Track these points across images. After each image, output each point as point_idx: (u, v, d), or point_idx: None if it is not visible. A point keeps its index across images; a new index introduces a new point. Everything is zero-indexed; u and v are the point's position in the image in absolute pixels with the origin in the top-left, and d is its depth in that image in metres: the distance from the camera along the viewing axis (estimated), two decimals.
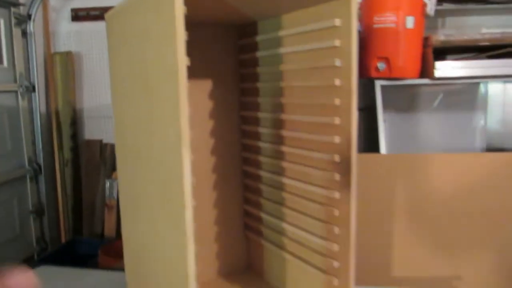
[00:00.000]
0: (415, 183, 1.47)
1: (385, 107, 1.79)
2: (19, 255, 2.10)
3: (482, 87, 1.91)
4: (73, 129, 2.27)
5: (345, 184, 0.88)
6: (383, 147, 1.50)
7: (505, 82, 1.77)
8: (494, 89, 1.90)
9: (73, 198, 2.27)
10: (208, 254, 1.23)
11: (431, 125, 1.93)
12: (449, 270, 1.51)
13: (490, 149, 1.91)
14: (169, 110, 0.69)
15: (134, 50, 0.84)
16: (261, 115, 1.12)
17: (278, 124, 1.07)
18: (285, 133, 1.04)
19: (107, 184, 2.15)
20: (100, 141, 2.26)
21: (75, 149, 2.29)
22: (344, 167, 0.88)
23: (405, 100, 1.92)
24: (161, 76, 0.71)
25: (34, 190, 2.19)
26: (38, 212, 2.19)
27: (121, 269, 1.27)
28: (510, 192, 1.43)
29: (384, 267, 1.54)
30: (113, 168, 2.21)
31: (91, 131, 2.32)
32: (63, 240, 2.25)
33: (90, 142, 2.28)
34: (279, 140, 1.07)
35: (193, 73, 1.13)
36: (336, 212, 0.91)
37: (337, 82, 0.86)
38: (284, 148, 1.04)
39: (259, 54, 1.10)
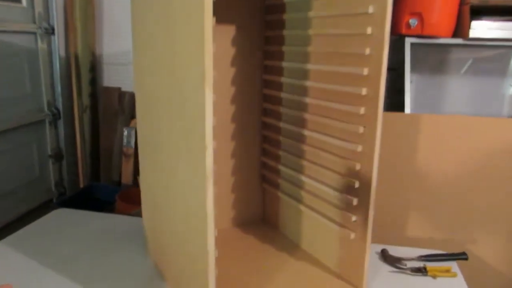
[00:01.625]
0: (437, 144, 1.43)
1: (413, 67, 1.73)
2: (37, 198, 2.16)
3: None
4: (92, 75, 2.26)
5: (369, 138, 0.86)
6: (408, 107, 1.45)
7: None
8: None
9: (91, 145, 2.30)
10: (224, 203, 1.23)
11: (458, 89, 1.86)
12: (464, 233, 1.50)
13: None
14: (193, 49, 0.66)
15: None
16: (284, 64, 1.08)
17: (301, 74, 1.04)
18: (308, 83, 1.00)
19: (125, 133, 2.16)
20: (119, 88, 2.25)
21: (93, 95, 2.29)
22: (370, 120, 0.85)
23: (433, 62, 1.85)
24: (186, 14, 0.67)
25: (53, 135, 2.21)
26: (57, 156, 2.22)
27: (138, 215, 1.28)
28: None
29: (399, 226, 1.53)
30: (132, 117, 2.21)
31: (109, 78, 2.31)
32: (81, 185, 2.29)
33: (108, 89, 2.27)
34: (301, 90, 1.04)
35: (218, 19, 1.09)
36: (358, 166, 0.89)
37: (369, 30, 0.82)
38: (307, 99, 1.01)
39: None
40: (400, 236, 1.51)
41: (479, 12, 1.66)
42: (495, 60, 1.87)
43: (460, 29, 1.49)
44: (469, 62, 1.86)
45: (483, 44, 1.49)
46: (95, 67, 2.29)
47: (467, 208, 1.49)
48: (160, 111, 0.86)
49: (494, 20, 1.51)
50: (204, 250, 0.71)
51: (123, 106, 2.24)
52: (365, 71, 0.84)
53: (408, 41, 1.50)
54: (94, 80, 2.30)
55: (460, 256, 1.11)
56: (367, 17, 0.82)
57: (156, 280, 0.97)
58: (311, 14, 0.96)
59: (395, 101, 1.59)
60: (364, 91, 0.85)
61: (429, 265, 1.07)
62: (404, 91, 1.49)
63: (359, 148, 0.88)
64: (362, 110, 0.86)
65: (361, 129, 0.87)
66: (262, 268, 1.02)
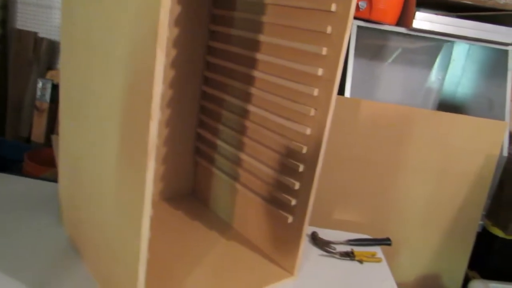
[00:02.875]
0: (369, 130, 1.45)
1: (356, 53, 1.73)
2: None
3: (448, 46, 1.90)
4: (3, 14, 1.96)
5: (320, 121, 0.82)
6: (348, 91, 1.45)
7: (471, 45, 1.77)
8: (458, 50, 1.90)
9: None
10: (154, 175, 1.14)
11: (391, 75, 1.91)
12: (388, 219, 1.56)
13: (442, 109, 1.95)
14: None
15: None
16: (234, 32, 1.00)
17: (253, 45, 0.96)
18: (259, 56, 0.93)
19: (39, 85, 1.92)
20: (35, 33, 1.99)
21: (3, 38, 1.99)
22: (322, 103, 0.81)
23: (372, 47, 1.87)
24: None
25: None
26: None
27: (49, 179, 1.15)
28: (460, 153, 1.47)
29: (328, 209, 1.55)
30: (49, 67, 1.97)
31: (24, 20, 2.03)
32: None
33: (22, 33, 1.99)
34: (251, 62, 0.97)
35: None
36: (304, 149, 0.85)
37: (333, 7, 0.77)
38: (256, 73, 0.94)
39: None
40: (329, 219, 1.53)
41: (422, 4, 1.70)
42: (431, 49, 1.94)
43: (404, 18, 1.50)
44: (399, 51, 1.91)
45: (424, 35, 1.53)
46: (6, 5, 1.99)
47: (392, 194, 1.54)
48: (93, 65, 0.74)
49: (437, 14, 1.55)
50: (137, 232, 0.63)
51: (39, 54, 1.99)
52: (324, 51, 0.79)
53: (355, 23, 1.49)
54: (5, 20, 2.01)
55: (385, 242, 1.15)
56: None
57: (70, 257, 0.87)
58: None
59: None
60: (320, 72, 0.80)
61: (356, 249, 1.09)
62: (346, 74, 1.48)
63: (308, 131, 0.84)
64: (315, 92, 0.81)
65: (312, 112, 0.83)
66: (189, 248, 0.96)
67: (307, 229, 1.13)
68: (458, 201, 1.51)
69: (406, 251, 1.58)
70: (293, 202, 0.89)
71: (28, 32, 2.02)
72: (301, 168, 0.86)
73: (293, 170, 0.88)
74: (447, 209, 1.53)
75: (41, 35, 2.03)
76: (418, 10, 1.52)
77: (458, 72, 1.87)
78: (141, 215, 0.62)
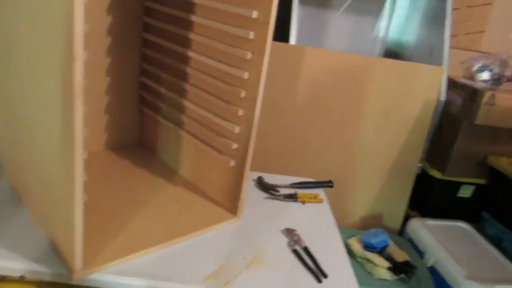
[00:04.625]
0: (316, 77, 1.48)
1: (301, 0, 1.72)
2: None
3: None
4: None
5: (257, 64, 0.83)
6: (293, 39, 1.46)
7: None
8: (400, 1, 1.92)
9: None
10: (96, 124, 1.13)
11: (337, 24, 1.93)
12: (333, 162, 1.63)
13: (387, 56, 1.99)
14: None
15: None
16: None
17: None
18: (197, 0, 0.92)
19: None
20: None
21: None
22: (258, 46, 0.82)
23: None
24: None
25: None
26: None
27: None
28: (399, 99, 1.53)
29: (276, 155, 1.60)
30: None
31: None
32: None
33: None
34: (188, 7, 0.95)
35: None
36: (243, 94, 0.87)
37: None
38: (193, 18, 0.93)
39: None
40: (277, 165, 1.58)
41: None
42: (376, 1, 1.96)
43: None
44: (349, 1, 1.92)
45: None
46: None
47: (337, 140, 1.60)
48: (17, 10, 0.71)
49: None
50: (71, 173, 0.63)
51: None
52: None
53: None
54: None
55: (327, 184, 1.21)
56: None
57: (12, 203, 0.87)
58: None
59: (279, 31, 1.58)
60: (254, 14, 0.80)
61: (300, 192, 1.14)
62: (291, 22, 1.48)
63: (246, 75, 0.85)
64: (251, 35, 0.82)
65: (249, 55, 0.83)
66: (134, 194, 0.98)
67: (252, 174, 1.17)
68: (398, 145, 1.59)
69: (351, 193, 1.67)
70: (234, 146, 0.91)
71: None
72: (240, 112, 0.88)
73: (233, 115, 0.90)
74: (388, 153, 1.61)
75: None
76: None
77: (401, 20, 1.91)
78: (73, 157, 0.62)
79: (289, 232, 0.95)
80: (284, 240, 0.93)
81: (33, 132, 0.74)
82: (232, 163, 0.93)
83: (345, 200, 1.67)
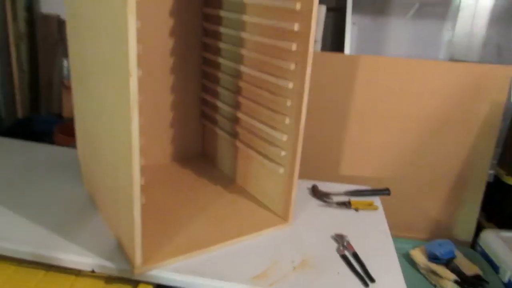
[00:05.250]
0: (374, 85, 1.48)
1: (357, 9, 1.73)
2: None
3: None
4: (29, 1, 2.09)
5: (300, 74, 0.87)
6: (347, 48, 1.47)
7: None
8: (466, 1, 1.84)
9: (29, 75, 2.17)
10: (163, 138, 1.23)
11: (400, 31, 1.89)
12: (392, 171, 1.59)
13: (454, 60, 1.91)
14: None
15: None
16: None
17: (240, 8, 1.02)
18: (245, 17, 0.99)
19: (65, 64, 2.06)
20: (58, 16, 2.11)
21: (31, 22, 2.13)
22: (300, 57, 0.86)
23: (378, 4, 1.85)
24: None
25: None
26: None
27: (75, 146, 1.26)
28: (466, 102, 1.46)
29: (334, 164, 1.60)
30: None
31: (48, 4, 2.15)
32: (20, 117, 2.20)
33: (47, 17, 2.12)
34: (239, 25, 1.03)
35: None
36: (289, 103, 0.91)
37: None
38: (243, 34, 1.00)
39: None
40: (335, 174, 1.59)
41: None
42: (436, 4, 1.90)
43: None
44: (416, 6, 1.88)
45: None
46: None
47: (400, 148, 1.57)
48: (88, 38, 0.83)
49: None
50: (130, 178, 0.72)
51: (63, 35, 2.11)
52: (298, 6, 0.83)
53: None
54: (31, 6, 2.14)
55: (383, 192, 1.20)
56: None
57: (89, 209, 0.98)
58: None
59: (337, 42, 1.61)
60: (296, 27, 0.85)
61: (354, 199, 1.14)
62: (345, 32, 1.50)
63: (290, 85, 0.89)
64: (294, 47, 0.86)
65: (292, 66, 0.88)
66: (194, 200, 1.05)
67: (307, 183, 1.20)
68: (465, 150, 1.52)
69: (414, 202, 1.61)
70: (283, 153, 0.95)
71: (52, 15, 2.14)
72: (287, 120, 0.92)
73: (280, 123, 0.94)
74: (454, 159, 1.54)
75: (63, 17, 2.15)
76: None
77: (468, 20, 1.82)
78: (131, 163, 0.70)
79: (339, 238, 0.96)
80: (334, 245, 0.94)
81: (102, 144, 0.85)
82: (281, 170, 0.97)
83: (407, 209, 1.63)
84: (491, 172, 1.57)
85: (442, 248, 1.33)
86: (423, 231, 1.65)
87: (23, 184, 1.07)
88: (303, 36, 0.84)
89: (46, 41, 2.15)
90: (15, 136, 1.42)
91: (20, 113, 2.21)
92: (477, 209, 1.60)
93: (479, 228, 1.64)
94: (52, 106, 2.19)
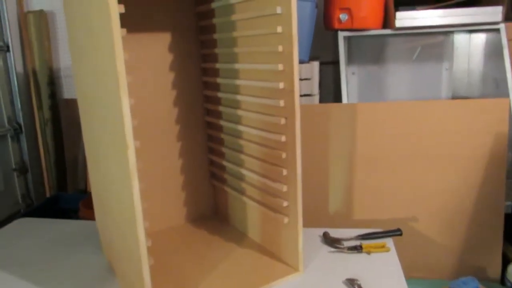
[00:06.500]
0: (375, 130, 1.52)
1: (355, 59, 1.81)
2: (5, 212, 2.18)
3: (448, 37, 1.92)
4: (51, 89, 2.29)
5: (291, 128, 0.93)
6: (345, 97, 1.54)
7: (470, 31, 1.79)
8: (459, 39, 1.91)
9: (55, 156, 2.33)
10: (176, 201, 1.29)
11: (400, 76, 1.96)
12: (402, 212, 1.59)
13: (456, 98, 1.95)
14: (108, 59, 0.72)
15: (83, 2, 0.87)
16: (218, 66, 1.15)
17: (232, 74, 1.11)
18: (238, 82, 1.07)
19: None
20: None
21: (54, 108, 2.32)
22: (289, 112, 0.93)
23: (374, 52, 1.94)
24: (100, 26, 0.74)
25: (16, 149, 2.23)
26: (22, 170, 2.25)
27: None
28: (471, 137, 1.48)
29: (344, 210, 1.61)
30: None
31: (69, 90, 2.35)
32: (48, 196, 2.32)
33: (69, 101, 2.31)
34: (233, 89, 1.11)
35: (154, 26, 1.16)
36: (284, 155, 0.96)
37: (279, 29, 0.89)
38: (238, 97, 1.08)
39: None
40: (347, 220, 1.59)
41: (411, 3, 1.76)
42: (431, 46, 1.97)
43: (387, 20, 1.58)
44: (418, 50, 1.96)
45: (411, 32, 1.59)
46: (53, 80, 2.33)
47: (408, 188, 1.58)
48: (94, 117, 0.92)
49: (423, 9, 1.61)
50: (136, 241, 0.77)
51: None
52: (280, 67, 0.91)
53: (341, 35, 1.59)
54: (54, 93, 2.34)
55: (395, 233, 1.20)
56: (277, 17, 0.89)
57: (109, 277, 1.03)
58: (234, 17, 1.04)
59: (339, 93, 1.68)
60: (281, 85, 0.92)
61: (366, 242, 1.15)
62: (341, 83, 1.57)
63: (283, 138, 0.95)
64: (281, 103, 0.93)
65: (282, 121, 0.94)
66: (209, 257, 1.09)
67: (318, 230, 1.22)
68: (476, 184, 1.51)
69: (430, 241, 1.58)
70: (285, 203, 0.99)
71: (73, 100, 2.32)
72: (284, 172, 0.97)
73: (279, 175, 0.99)
74: (465, 194, 1.53)
75: None
76: (400, 10, 1.59)
77: (463, 59, 1.88)
78: (135, 227, 0.76)
79: (350, 282, 0.97)
80: None
81: (113, 212, 0.92)
82: (286, 220, 1.01)
83: (426, 249, 1.60)
84: (508, 203, 1.55)
85: (466, 285, 1.30)
86: (446, 271, 1.61)
87: (49, 259, 1.13)
88: (289, 93, 0.91)
89: (69, 123, 2.32)
90: (43, 215, 1.51)
91: (48, 193, 2.33)
92: (500, 242, 1.56)
93: (506, 261, 1.59)
94: (78, 183, 2.31)
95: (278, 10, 0.87)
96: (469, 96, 1.83)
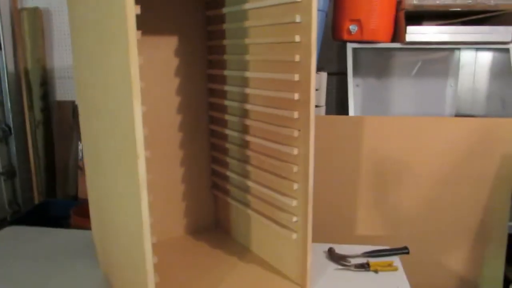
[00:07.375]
0: (380, 144, 1.49)
1: (360, 72, 1.80)
2: None
3: (454, 54, 1.92)
4: (44, 90, 2.22)
5: (304, 140, 0.90)
6: (351, 110, 1.51)
7: (477, 49, 1.79)
8: (466, 56, 1.91)
9: (45, 160, 2.25)
10: (176, 211, 1.24)
11: (404, 90, 1.95)
12: (408, 229, 1.56)
13: (460, 115, 1.95)
14: (121, 64, 0.68)
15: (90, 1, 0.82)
16: (226, 73, 1.11)
17: (242, 82, 1.07)
18: (248, 90, 1.04)
19: (80, 146, 2.13)
20: (72, 102, 2.22)
21: (46, 110, 2.25)
22: (303, 124, 0.89)
23: (379, 65, 1.93)
24: (114, 30, 0.69)
25: (4, 152, 2.15)
26: (9, 174, 2.16)
27: (90, 228, 1.27)
28: (476, 156, 1.47)
29: (349, 225, 1.58)
30: None
31: (62, 92, 2.28)
32: (36, 202, 2.24)
33: (61, 104, 2.24)
34: (242, 98, 1.08)
35: (161, 31, 1.11)
36: (295, 168, 0.93)
37: (297, 38, 0.86)
38: (247, 106, 1.05)
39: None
40: (350, 235, 1.56)
41: (420, 17, 1.76)
42: (437, 59, 1.97)
43: (397, 34, 1.57)
44: (415, 62, 1.95)
45: (419, 47, 1.58)
46: (46, 81, 2.26)
47: (412, 205, 1.55)
48: (98, 123, 0.87)
49: (429, 25, 1.60)
50: (143, 257, 0.72)
51: (77, 119, 2.21)
52: (296, 77, 0.88)
53: (349, 46, 1.57)
54: (46, 94, 2.27)
55: (402, 251, 1.17)
56: (295, 26, 0.86)
57: None
58: (247, 24, 1.00)
59: (343, 105, 1.65)
60: (296, 96, 0.89)
61: (373, 260, 1.12)
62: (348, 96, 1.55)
63: (295, 151, 0.91)
64: (295, 115, 0.90)
65: (295, 133, 0.91)
66: (211, 273, 1.04)
67: (323, 246, 1.18)
68: (480, 204, 1.50)
69: (436, 260, 1.56)
70: (294, 219, 0.96)
71: (66, 102, 2.26)
72: (295, 186, 0.93)
73: (289, 189, 0.95)
74: (470, 214, 1.51)
75: (77, 102, 2.26)
76: (422, 24, 1.58)
77: (469, 77, 1.88)
78: (142, 242, 0.71)
79: None
80: None
81: (116, 224, 0.86)
82: (295, 236, 0.96)
83: (430, 268, 1.57)
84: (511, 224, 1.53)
85: None
86: None
87: (38, 272, 1.07)
88: (304, 104, 0.88)
89: (60, 126, 2.25)
90: (32, 223, 1.44)
91: (36, 199, 2.25)
92: (502, 263, 1.55)
93: (507, 283, 1.57)
94: (68, 189, 2.23)
95: (298, 18, 0.84)
96: (473, 114, 1.82)
